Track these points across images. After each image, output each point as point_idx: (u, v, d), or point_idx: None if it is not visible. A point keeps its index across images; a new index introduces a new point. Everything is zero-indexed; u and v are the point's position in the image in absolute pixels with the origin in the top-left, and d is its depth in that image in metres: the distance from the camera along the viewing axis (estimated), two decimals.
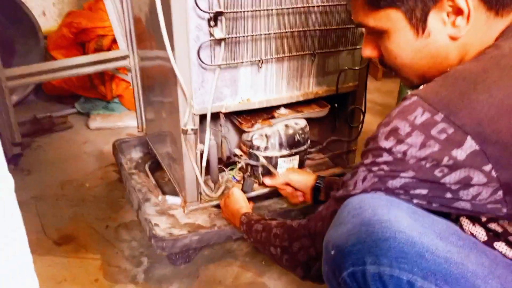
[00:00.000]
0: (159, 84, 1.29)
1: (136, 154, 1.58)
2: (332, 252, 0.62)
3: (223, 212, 1.16)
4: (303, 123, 1.27)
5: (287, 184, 1.17)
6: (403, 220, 0.58)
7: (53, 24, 2.59)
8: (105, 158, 1.80)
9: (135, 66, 1.58)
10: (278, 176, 1.17)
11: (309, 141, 1.31)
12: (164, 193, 1.35)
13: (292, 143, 1.24)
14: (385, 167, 0.62)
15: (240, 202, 1.10)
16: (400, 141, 0.59)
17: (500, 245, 0.62)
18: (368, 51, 0.75)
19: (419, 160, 0.59)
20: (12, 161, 1.71)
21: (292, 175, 1.12)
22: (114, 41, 2.05)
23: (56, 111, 2.20)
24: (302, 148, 1.27)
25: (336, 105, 1.32)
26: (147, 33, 1.29)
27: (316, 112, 1.29)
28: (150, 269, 1.20)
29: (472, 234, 0.64)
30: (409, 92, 0.62)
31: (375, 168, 0.63)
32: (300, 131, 1.25)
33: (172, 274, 1.18)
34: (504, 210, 0.58)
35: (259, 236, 0.91)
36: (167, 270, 1.20)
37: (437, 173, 0.58)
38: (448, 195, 0.59)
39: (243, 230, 1.00)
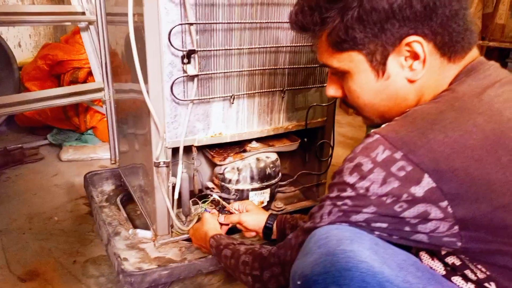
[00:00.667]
0: (133, 117, 1.31)
1: (108, 186, 1.56)
2: (299, 282, 0.63)
3: (193, 240, 1.15)
4: (274, 156, 1.31)
5: (240, 223, 1.15)
6: (366, 251, 0.61)
7: (29, 56, 2.60)
8: (76, 191, 1.77)
9: (110, 98, 1.60)
10: (232, 215, 1.15)
11: (280, 174, 1.34)
12: (135, 226, 1.34)
13: (263, 176, 1.27)
14: (348, 202, 0.65)
15: (208, 224, 1.09)
16: (363, 177, 0.62)
17: (457, 279, 0.65)
18: (332, 91, 0.78)
19: (380, 196, 0.61)
20: None
21: (244, 216, 1.12)
22: (89, 73, 2.07)
23: (28, 142, 2.17)
24: (273, 181, 1.30)
25: (305, 139, 1.36)
26: (123, 66, 1.32)
27: (286, 146, 1.33)
28: None
29: (431, 267, 0.67)
30: (372, 130, 0.66)
31: (339, 203, 0.66)
32: (271, 165, 1.28)
33: None
34: (459, 244, 0.61)
35: (228, 263, 0.92)
36: None
37: (397, 208, 0.61)
38: (407, 228, 0.63)
39: (213, 254, 1.00)
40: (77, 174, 1.88)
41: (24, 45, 2.60)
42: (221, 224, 1.13)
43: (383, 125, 0.65)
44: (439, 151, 0.57)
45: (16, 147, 2.03)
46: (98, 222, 1.36)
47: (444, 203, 0.58)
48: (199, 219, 1.19)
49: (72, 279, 1.26)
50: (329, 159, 1.42)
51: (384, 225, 0.64)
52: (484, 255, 0.60)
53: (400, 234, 0.64)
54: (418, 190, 0.58)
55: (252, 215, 1.12)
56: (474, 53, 0.69)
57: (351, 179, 0.64)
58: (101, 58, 1.57)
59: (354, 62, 0.69)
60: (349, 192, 0.64)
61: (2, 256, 1.35)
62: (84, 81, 2.08)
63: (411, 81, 0.68)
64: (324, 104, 1.32)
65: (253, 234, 1.13)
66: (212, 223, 1.10)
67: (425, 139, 0.59)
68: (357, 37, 0.66)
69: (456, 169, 0.57)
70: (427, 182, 0.58)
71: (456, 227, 0.59)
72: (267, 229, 1.08)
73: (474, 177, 0.56)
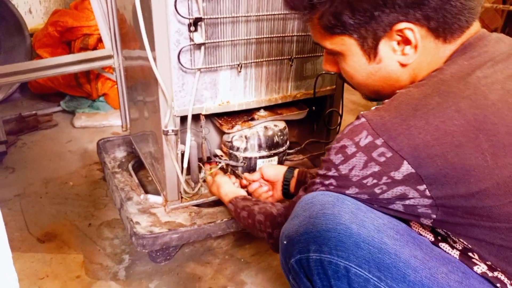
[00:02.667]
0: (142, 84, 1.32)
1: (120, 153, 1.60)
2: (284, 242, 0.70)
3: (212, 188, 1.22)
4: (282, 125, 1.31)
5: (261, 176, 1.20)
6: (345, 214, 0.65)
7: (40, 22, 2.59)
8: (89, 157, 1.82)
9: (120, 65, 1.60)
10: (252, 175, 1.20)
11: (288, 143, 1.35)
12: (146, 192, 1.38)
13: (271, 144, 1.28)
14: (333, 182, 0.69)
15: (225, 188, 1.16)
16: (346, 160, 0.65)
17: (444, 246, 0.68)
18: (328, 67, 0.80)
19: (362, 179, 0.65)
20: None
21: (265, 168, 1.18)
22: (100, 40, 2.07)
23: (42, 109, 2.21)
24: (281, 149, 1.31)
25: (313, 108, 1.36)
26: (131, 34, 1.31)
27: (294, 114, 1.33)
28: (131, 266, 1.23)
29: (420, 234, 0.70)
30: (361, 112, 0.67)
31: (326, 182, 0.70)
32: (279, 133, 1.29)
33: (152, 271, 1.22)
34: (434, 216, 0.63)
35: (246, 223, 0.99)
36: (148, 267, 1.23)
37: (377, 190, 0.64)
38: (385, 201, 0.66)
39: (233, 218, 1.08)
40: (90, 141, 1.93)
41: (34, 11, 2.59)
42: (242, 187, 1.20)
43: (372, 108, 0.66)
44: (419, 138, 0.58)
45: (30, 113, 2.07)
46: (111, 187, 1.40)
47: (422, 187, 0.60)
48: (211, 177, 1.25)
49: (88, 241, 1.32)
50: (338, 128, 1.42)
51: (365, 197, 0.67)
52: (460, 228, 0.63)
53: (379, 203, 0.67)
54: (397, 175, 0.61)
55: (272, 166, 1.19)
56: (474, 28, 0.67)
57: (336, 159, 0.67)
58: (109, 24, 1.56)
59: (346, 45, 0.70)
60: (333, 172, 0.68)
61: (21, 219, 1.41)
62: (94, 48, 2.08)
63: (403, 65, 0.68)
64: (332, 72, 1.30)
65: (264, 195, 1.17)
66: (227, 187, 1.16)
67: (405, 125, 0.60)
68: (347, 22, 0.66)
69: (436, 156, 0.58)
70: (406, 168, 0.60)
71: (434, 205, 0.61)
72: (286, 179, 1.13)
73: (453, 163, 0.57)
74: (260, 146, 1.27)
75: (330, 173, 0.69)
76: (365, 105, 2.50)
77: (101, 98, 2.22)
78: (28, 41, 2.28)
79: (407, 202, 0.63)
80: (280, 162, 1.34)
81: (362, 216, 0.66)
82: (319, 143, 1.45)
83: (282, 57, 1.20)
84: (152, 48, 1.03)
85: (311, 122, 1.43)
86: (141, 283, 1.17)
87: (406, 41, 0.65)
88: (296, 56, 1.22)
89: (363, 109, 2.57)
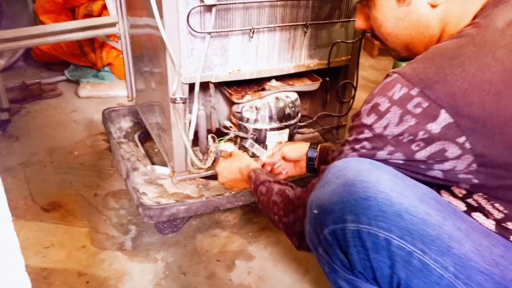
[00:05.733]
0: (149, 52, 1.27)
1: (126, 123, 1.56)
2: (315, 211, 0.64)
3: (221, 177, 1.08)
4: (294, 96, 1.26)
5: (283, 157, 1.12)
6: (384, 182, 0.60)
7: None
8: (94, 127, 1.78)
9: (125, 33, 1.55)
10: (274, 153, 1.12)
11: (299, 115, 1.30)
12: (153, 163, 1.35)
13: (282, 116, 1.23)
14: (367, 145, 0.65)
15: (242, 159, 1.05)
16: (380, 117, 0.62)
17: (477, 215, 0.64)
18: (359, 22, 0.77)
19: (397, 136, 0.61)
20: (0, 126, 1.69)
21: (285, 147, 1.09)
22: (104, 7, 1.99)
23: (46, 78, 2.16)
24: (292, 121, 1.26)
25: (327, 79, 1.30)
26: None
27: (307, 85, 1.28)
28: (138, 237, 1.21)
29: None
30: (391, 70, 0.65)
31: (357, 146, 0.66)
32: (291, 104, 1.24)
33: (159, 242, 1.20)
34: (475, 181, 0.60)
35: (262, 198, 0.92)
36: (154, 239, 1.21)
37: (414, 147, 0.60)
38: (422, 166, 0.62)
39: (250, 187, 0.98)
40: (95, 111, 1.89)
41: None
42: (263, 165, 1.10)
43: (403, 64, 0.64)
44: (456, 86, 0.56)
45: (34, 82, 2.02)
46: (117, 157, 1.37)
47: (462, 139, 0.57)
48: (215, 159, 1.19)
49: (93, 211, 1.30)
50: (351, 101, 1.37)
51: (400, 161, 0.64)
52: (501, 191, 0.60)
53: (416, 170, 0.64)
54: (435, 127, 0.58)
55: (293, 144, 1.12)
56: None
57: (368, 120, 0.63)
58: None
59: None
60: (366, 134, 0.64)
61: (26, 187, 1.39)
62: (99, 15, 2.01)
63: (433, 6, 0.66)
64: (349, 41, 1.24)
65: (284, 175, 1.10)
66: (247, 158, 1.07)
67: (442, 74, 0.57)
68: None
69: (473, 104, 0.56)
70: (444, 118, 0.57)
71: (474, 165, 0.58)
72: (310, 158, 1.06)
73: (491, 111, 0.55)
74: (271, 118, 1.22)
75: (362, 136, 0.65)
76: (377, 81, 2.43)
77: (106, 68, 2.16)
78: (30, 7, 2.22)
79: (446, 165, 0.60)
80: (291, 135, 1.30)
81: (402, 183, 0.62)
82: (331, 116, 1.40)
83: (297, 23, 1.13)
84: (160, 10, 0.97)
85: (324, 94, 1.37)
86: (148, 254, 1.15)
87: None
88: (311, 22, 1.15)
89: (374, 85, 2.50)
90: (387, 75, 0.64)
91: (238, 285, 1.07)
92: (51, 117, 1.86)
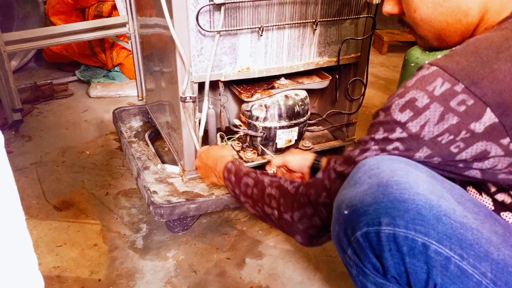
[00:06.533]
0: (159, 52, 1.27)
1: (136, 123, 1.57)
2: (346, 212, 0.60)
3: (201, 170, 1.05)
4: (303, 94, 1.26)
5: (284, 166, 1.08)
6: (422, 183, 0.56)
7: None
8: (105, 127, 1.80)
9: (135, 33, 1.55)
10: (274, 160, 1.08)
11: (309, 113, 1.30)
12: (163, 162, 1.35)
13: (291, 114, 1.23)
14: (400, 146, 0.60)
15: (223, 151, 1.00)
16: (416, 114, 0.57)
17: (507, 215, 0.61)
18: (388, 6, 0.71)
19: (436, 137, 0.56)
20: (13, 127, 1.72)
21: (288, 157, 1.05)
22: (114, 7, 2.01)
23: (57, 78, 2.19)
24: (301, 119, 1.26)
25: (337, 76, 1.30)
26: None
27: (316, 83, 1.27)
28: (149, 236, 1.22)
29: None
30: (427, 61, 0.59)
31: (389, 147, 0.61)
32: (300, 102, 1.24)
33: (170, 241, 1.20)
34: None
35: (249, 191, 0.86)
36: (165, 237, 1.21)
37: (453, 149, 0.56)
38: (461, 165, 0.58)
39: (228, 179, 0.91)
40: (106, 111, 1.91)
41: None
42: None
43: (439, 56, 0.59)
44: (505, 82, 0.52)
45: (45, 82, 2.05)
46: (128, 156, 1.38)
47: (506, 140, 0.53)
48: None
49: (105, 210, 1.31)
50: (361, 98, 1.36)
51: (437, 161, 0.59)
52: None
53: (453, 170, 0.60)
54: (478, 126, 0.54)
55: (296, 154, 1.06)
56: None
57: (402, 117, 0.58)
58: None
59: None
60: (399, 133, 0.59)
61: (38, 187, 1.41)
62: (109, 15, 2.03)
63: None
64: (359, 38, 1.23)
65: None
66: (229, 149, 1.02)
67: (489, 69, 0.53)
68: None
69: None
70: (489, 117, 0.53)
71: None
72: (314, 170, 1.01)
73: None
74: (280, 116, 1.22)
75: (394, 135, 0.59)
76: (386, 78, 2.41)
77: (116, 68, 2.18)
78: (41, 8, 2.24)
79: (486, 164, 0.56)
80: (300, 134, 1.29)
81: (440, 186, 0.57)
82: (341, 114, 1.39)
83: (306, 21, 1.13)
84: (170, 9, 0.97)
85: (333, 92, 1.37)
86: (159, 252, 1.16)
87: None
88: (321, 20, 1.15)
89: (384, 83, 2.48)
90: (422, 67, 0.58)
91: (248, 282, 1.07)
92: (62, 117, 1.88)
